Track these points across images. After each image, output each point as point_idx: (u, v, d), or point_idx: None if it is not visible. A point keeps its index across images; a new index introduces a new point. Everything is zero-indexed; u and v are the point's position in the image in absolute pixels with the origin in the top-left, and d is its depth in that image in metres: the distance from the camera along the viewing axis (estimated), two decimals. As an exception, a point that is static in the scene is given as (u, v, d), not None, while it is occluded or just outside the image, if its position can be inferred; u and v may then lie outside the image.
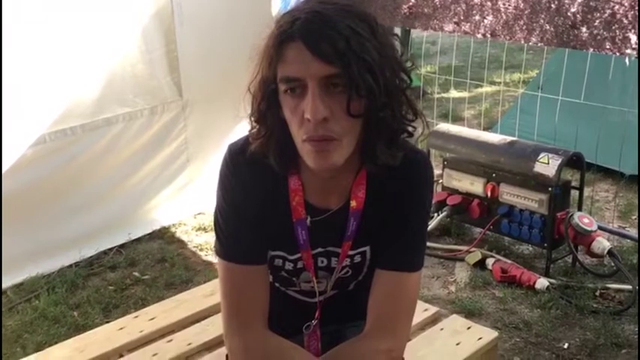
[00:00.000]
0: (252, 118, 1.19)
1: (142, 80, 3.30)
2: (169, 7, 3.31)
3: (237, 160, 1.23)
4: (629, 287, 2.87)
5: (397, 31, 3.28)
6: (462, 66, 5.18)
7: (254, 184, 1.23)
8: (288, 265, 1.29)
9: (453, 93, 5.39)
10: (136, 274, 3.12)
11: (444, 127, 3.61)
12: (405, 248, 1.26)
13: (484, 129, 4.28)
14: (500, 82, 5.21)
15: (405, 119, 1.17)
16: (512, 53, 6.14)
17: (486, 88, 5.46)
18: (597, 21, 2.68)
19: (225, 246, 1.25)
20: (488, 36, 3.08)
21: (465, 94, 5.32)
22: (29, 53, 2.81)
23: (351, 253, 1.28)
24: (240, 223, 1.24)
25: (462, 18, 3.05)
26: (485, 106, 5.28)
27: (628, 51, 2.68)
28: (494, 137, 3.42)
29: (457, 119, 4.74)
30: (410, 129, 1.19)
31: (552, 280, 2.96)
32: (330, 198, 1.25)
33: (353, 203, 1.24)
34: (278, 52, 1.08)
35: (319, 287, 1.33)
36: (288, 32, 1.07)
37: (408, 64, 1.17)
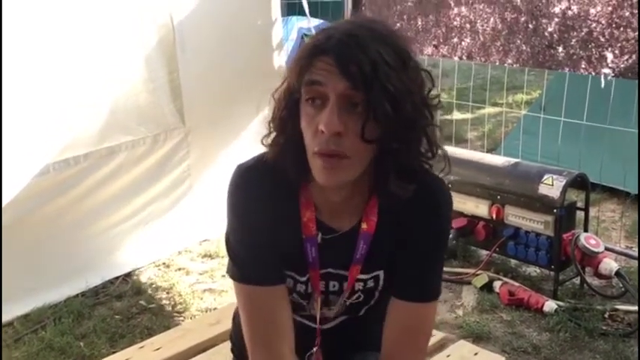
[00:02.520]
0: (272, 125, 1.21)
1: (144, 109, 3.32)
2: (172, 36, 3.34)
3: (248, 177, 1.24)
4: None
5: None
6: (464, 88, 5.20)
7: (264, 201, 1.22)
8: (300, 287, 1.27)
9: (456, 115, 5.40)
10: (143, 302, 3.10)
11: (448, 149, 3.60)
12: (422, 279, 1.26)
13: (487, 150, 4.29)
14: (502, 104, 5.22)
15: (422, 155, 1.17)
16: (514, 74, 6.16)
17: (489, 109, 5.47)
18: (574, 40, 2.69)
19: (242, 268, 1.23)
20: (464, 58, 3.11)
21: (467, 116, 5.33)
22: (33, 83, 2.83)
23: (363, 277, 1.26)
24: (254, 242, 1.22)
25: (440, 41, 3.08)
26: (489, 127, 5.29)
27: (605, 70, 2.67)
28: (497, 159, 3.42)
29: (460, 141, 4.74)
30: (426, 166, 1.19)
31: (560, 303, 2.94)
32: (341, 218, 1.24)
33: (364, 225, 1.23)
34: (309, 62, 1.11)
35: (330, 313, 1.31)
36: (323, 46, 1.10)
37: (435, 101, 1.18)
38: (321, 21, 4.95)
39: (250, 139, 3.72)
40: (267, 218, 1.22)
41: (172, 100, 3.43)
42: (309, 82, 1.10)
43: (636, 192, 3.81)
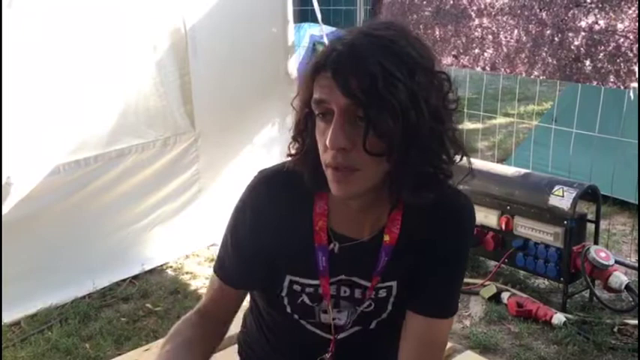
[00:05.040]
0: (292, 134, 1.22)
1: (155, 112, 3.33)
2: (184, 40, 3.36)
3: (263, 185, 1.27)
4: (648, 323, 2.82)
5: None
6: (475, 98, 5.18)
7: (275, 210, 1.24)
8: (309, 289, 1.27)
9: (467, 124, 5.38)
10: (149, 305, 3.11)
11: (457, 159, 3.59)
12: (442, 295, 1.26)
13: (498, 161, 4.27)
14: (514, 114, 5.21)
15: (440, 162, 1.14)
16: (527, 85, 6.14)
17: (500, 120, 5.45)
18: (601, 54, 2.68)
19: (219, 260, 1.34)
20: (488, 69, 3.10)
21: (478, 126, 5.31)
22: (46, 85, 2.86)
23: (377, 285, 1.26)
24: (239, 245, 1.29)
25: (460, 51, 3.06)
26: (500, 137, 5.27)
27: (633, 84, 2.67)
28: (508, 169, 3.40)
29: (471, 151, 4.66)
30: (447, 172, 1.16)
31: (569, 316, 2.92)
32: (358, 227, 1.23)
33: (386, 238, 1.22)
34: (312, 79, 1.11)
35: (339, 321, 1.30)
36: (322, 62, 1.09)
37: (453, 105, 1.15)
38: (334, 28, 4.96)
39: (261, 145, 3.73)
40: (268, 228, 1.24)
41: (183, 104, 3.44)
42: (316, 102, 1.11)
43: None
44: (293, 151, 1.21)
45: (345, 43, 1.09)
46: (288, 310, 1.30)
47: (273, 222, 1.24)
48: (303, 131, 1.18)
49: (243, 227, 1.27)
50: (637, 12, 2.63)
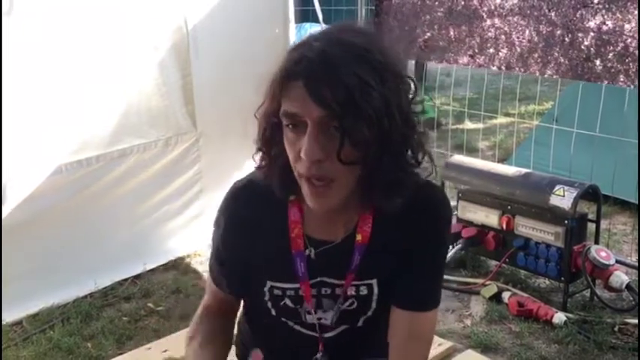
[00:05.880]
0: (257, 145, 1.21)
1: (157, 112, 3.34)
2: (185, 40, 3.36)
3: (237, 197, 1.30)
4: (649, 322, 2.82)
5: (411, 64, 3.35)
6: (476, 97, 5.19)
7: (250, 219, 1.27)
8: (290, 292, 1.29)
9: (468, 124, 5.39)
10: (151, 305, 3.11)
11: (458, 158, 3.60)
12: (421, 289, 1.26)
13: (499, 160, 4.27)
14: (514, 114, 5.21)
15: (408, 166, 1.15)
16: (527, 85, 6.14)
17: (501, 120, 5.46)
18: (611, 54, 2.70)
19: (211, 270, 1.41)
20: (503, 68, 3.11)
21: (479, 126, 5.32)
22: (49, 86, 2.86)
23: (356, 283, 1.27)
24: (224, 258, 1.35)
25: (476, 51, 3.08)
26: (500, 137, 5.28)
27: None
28: (508, 169, 3.40)
29: (472, 150, 4.73)
30: (414, 174, 1.17)
31: (570, 315, 2.92)
32: (332, 229, 1.25)
33: (359, 237, 1.24)
34: (282, 87, 1.09)
35: (325, 320, 1.31)
36: (292, 71, 1.07)
37: (419, 107, 1.16)
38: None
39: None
40: (243, 236, 1.28)
41: (184, 104, 3.45)
42: (286, 115, 1.09)
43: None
44: (260, 162, 1.22)
45: (315, 50, 1.06)
46: (273, 313, 1.32)
47: (248, 231, 1.28)
48: (270, 140, 1.17)
49: (219, 238, 1.33)
50: (640, 13, 2.64)
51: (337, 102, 1.03)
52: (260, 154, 1.21)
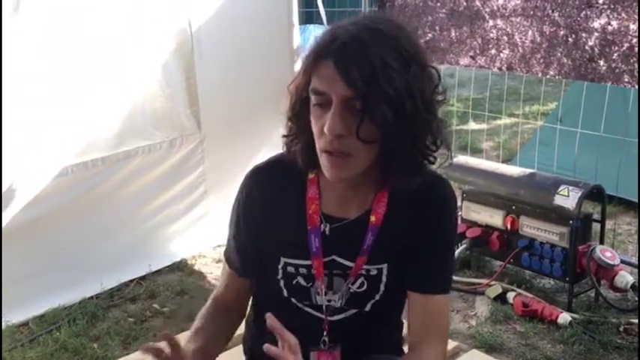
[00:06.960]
0: (287, 115, 1.28)
1: (161, 114, 3.35)
2: (189, 43, 3.38)
3: (255, 178, 1.36)
4: (654, 322, 2.82)
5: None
6: (480, 98, 5.19)
7: (269, 195, 1.33)
8: (302, 270, 1.32)
9: (472, 125, 5.39)
10: (156, 306, 3.12)
11: (463, 159, 3.61)
12: (435, 271, 1.32)
13: (503, 161, 4.27)
14: (519, 114, 5.21)
15: (426, 150, 1.22)
16: (531, 85, 6.14)
17: (505, 120, 5.46)
18: (615, 54, 2.69)
19: (227, 252, 1.44)
20: (504, 69, 3.11)
21: (483, 126, 5.32)
22: (53, 87, 2.87)
23: (367, 267, 1.31)
24: (241, 240, 1.38)
25: (477, 52, 3.08)
26: (504, 138, 5.27)
27: None
28: (513, 169, 3.40)
29: (476, 151, 4.73)
30: (431, 158, 1.24)
31: (575, 315, 2.92)
32: (348, 207, 1.31)
33: (373, 218, 1.29)
34: (313, 65, 1.18)
35: (334, 303, 1.33)
36: (325, 50, 1.16)
37: (440, 97, 1.22)
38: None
39: (266, 146, 3.73)
40: (260, 213, 1.33)
41: (189, 106, 3.46)
42: (314, 92, 1.17)
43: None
44: (288, 132, 1.29)
45: (349, 33, 1.14)
46: (285, 294, 1.35)
47: (265, 206, 1.33)
48: (299, 113, 1.24)
49: (237, 216, 1.38)
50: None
51: (362, 81, 1.11)
52: (289, 124, 1.28)
